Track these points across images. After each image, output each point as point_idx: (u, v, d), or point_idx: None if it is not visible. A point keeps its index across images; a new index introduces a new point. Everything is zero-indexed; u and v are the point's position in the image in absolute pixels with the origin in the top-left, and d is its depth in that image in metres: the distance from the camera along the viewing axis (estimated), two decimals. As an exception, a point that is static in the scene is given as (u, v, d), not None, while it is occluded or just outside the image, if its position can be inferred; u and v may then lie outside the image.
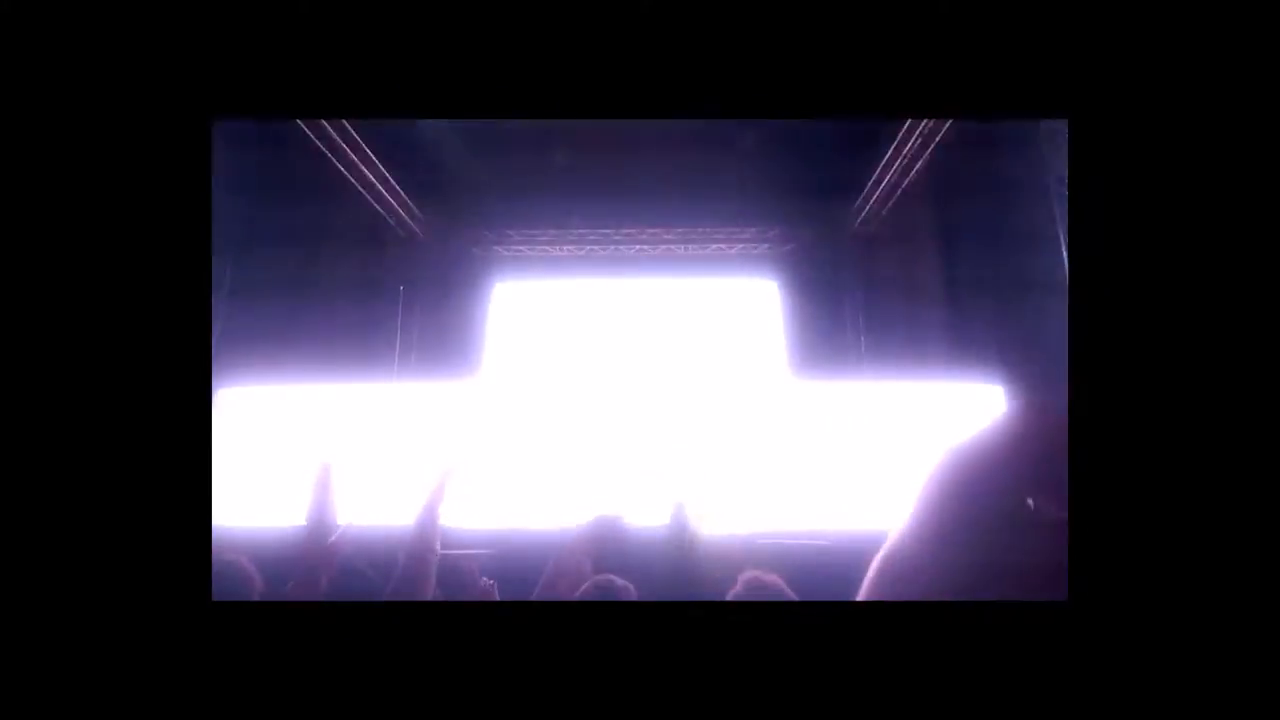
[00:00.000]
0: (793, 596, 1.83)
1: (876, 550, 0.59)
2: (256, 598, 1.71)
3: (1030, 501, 0.51)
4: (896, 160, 5.95)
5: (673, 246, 7.10)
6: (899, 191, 6.24)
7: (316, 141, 5.70)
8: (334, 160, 5.90)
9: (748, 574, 1.93)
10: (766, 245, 7.08)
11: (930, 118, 5.38)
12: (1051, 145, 5.61)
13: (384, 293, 6.91)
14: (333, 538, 1.60)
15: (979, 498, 0.49)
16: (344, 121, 5.66)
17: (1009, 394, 5.98)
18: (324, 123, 5.58)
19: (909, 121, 5.62)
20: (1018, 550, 0.49)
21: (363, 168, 6.07)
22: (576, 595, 1.90)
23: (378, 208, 6.53)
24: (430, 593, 1.61)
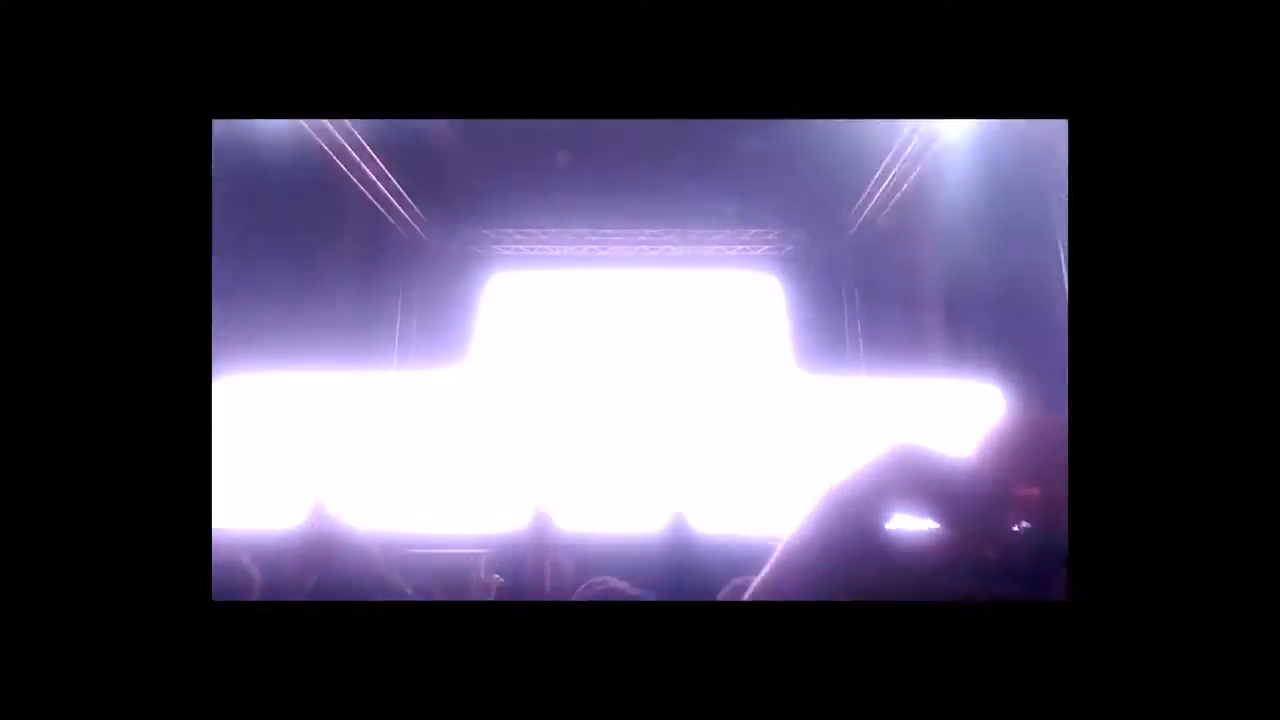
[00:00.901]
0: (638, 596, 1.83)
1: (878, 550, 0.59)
2: (256, 597, 1.71)
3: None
4: (897, 162, 5.95)
5: (671, 246, 7.10)
6: (899, 193, 6.24)
7: (318, 140, 5.69)
8: (335, 159, 5.89)
9: (594, 580, 1.94)
10: (766, 246, 7.08)
11: (930, 118, 5.38)
12: (1051, 146, 5.61)
13: (384, 291, 6.91)
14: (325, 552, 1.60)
15: (860, 516, 0.52)
16: (345, 120, 5.66)
17: (1005, 395, 6.00)
18: (326, 121, 5.57)
19: (909, 122, 5.62)
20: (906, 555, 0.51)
21: (364, 166, 6.07)
22: (574, 597, 1.89)
23: (378, 206, 6.52)
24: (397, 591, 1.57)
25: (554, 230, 7.03)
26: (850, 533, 0.54)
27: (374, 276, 6.93)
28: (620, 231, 7.00)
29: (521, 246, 7.15)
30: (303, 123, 5.50)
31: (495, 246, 7.14)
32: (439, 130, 6.34)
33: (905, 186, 6.12)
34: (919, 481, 0.54)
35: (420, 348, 6.81)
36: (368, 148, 5.98)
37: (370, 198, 6.38)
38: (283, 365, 6.46)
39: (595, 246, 7.09)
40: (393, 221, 6.77)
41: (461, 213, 6.99)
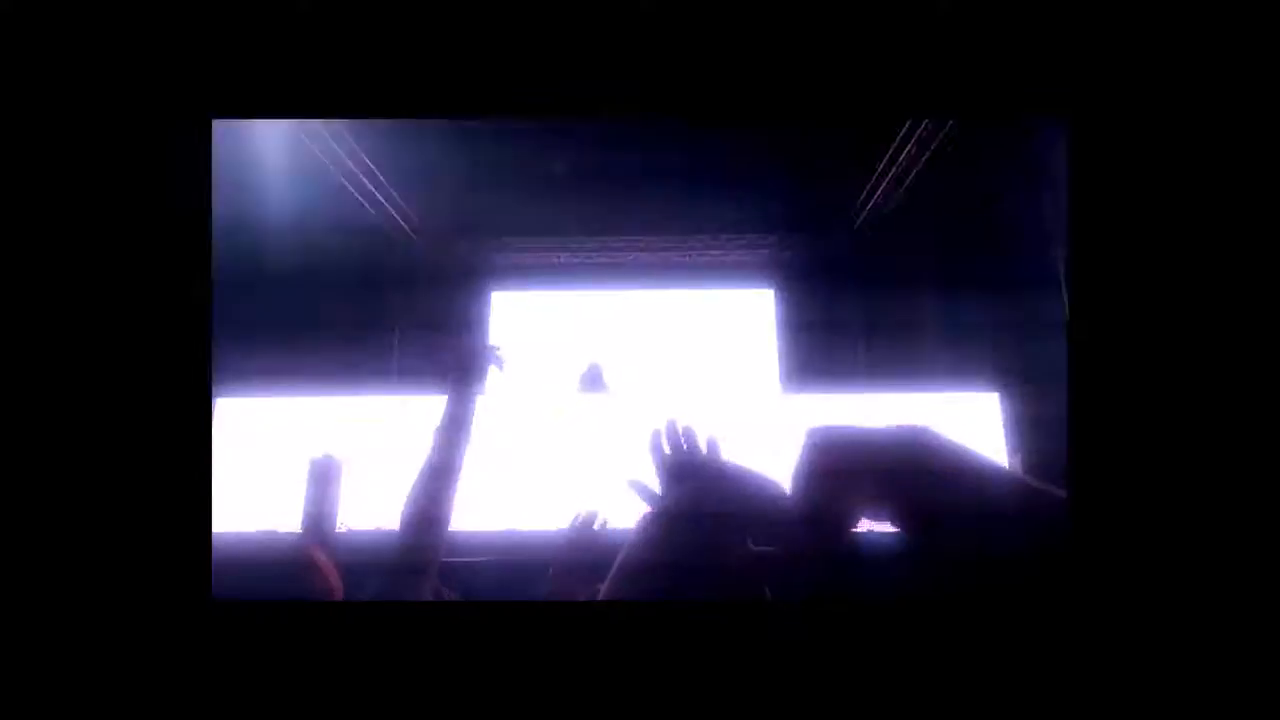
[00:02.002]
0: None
1: (871, 559, 0.59)
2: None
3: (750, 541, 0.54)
4: (896, 164, 5.97)
5: (670, 253, 7.11)
6: (899, 196, 6.25)
7: (313, 148, 5.70)
8: (331, 168, 5.90)
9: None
10: (765, 251, 7.09)
11: (931, 118, 5.39)
12: (1051, 147, 5.63)
13: (381, 299, 6.91)
14: (331, 533, 1.55)
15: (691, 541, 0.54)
16: (342, 129, 5.67)
17: (1005, 400, 6.00)
18: (322, 131, 5.58)
19: (908, 125, 5.64)
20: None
21: (360, 175, 6.07)
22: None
23: (374, 214, 6.53)
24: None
25: (551, 238, 7.05)
26: (670, 554, 0.56)
27: (371, 290, 6.92)
28: (619, 237, 7.01)
29: (520, 254, 7.15)
30: (300, 132, 5.51)
31: (494, 255, 7.15)
32: (437, 139, 6.35)
33: (906, 187, 6.14)
34: (731, 502, 0.56)
35: (420, 364, 6.78)
36: (364, 158, 5.99)
37: (367, 206, 6.38)
38: (274, 390, 6.41)
39: (593, 253, 7.10)
40: (388, 229, 6.78)
41: (460, 221, 7.00)
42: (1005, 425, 6.02)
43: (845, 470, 0.52)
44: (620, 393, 6.28)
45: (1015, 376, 5.89)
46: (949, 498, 0.50)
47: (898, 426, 0.54)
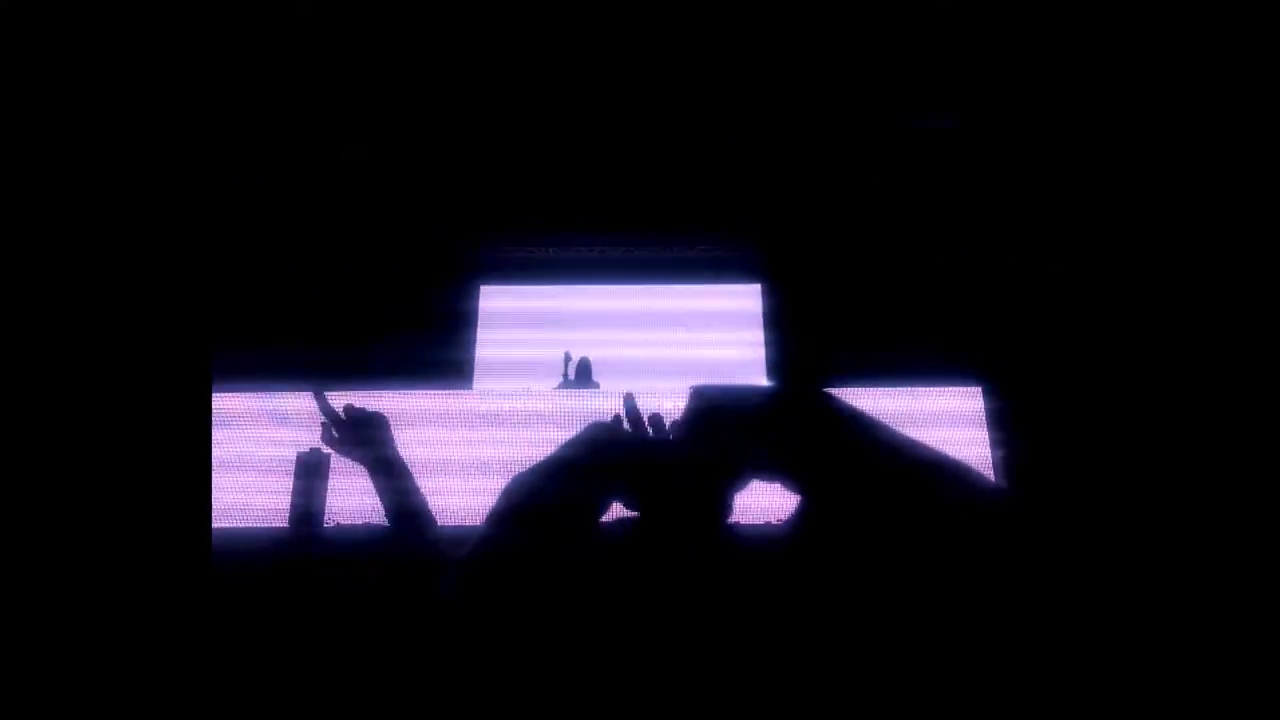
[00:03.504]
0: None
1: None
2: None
3: None
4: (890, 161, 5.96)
5: (659, 249, 7.09)
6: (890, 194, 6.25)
7: (300, 145, 5.63)
8: (317, 160, 5.83)
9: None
10: (753, 247, 7.08)
11: (926, 120, 5.40)
12: (1051, 145, 5.63)
13: (364, 294, 6.83)
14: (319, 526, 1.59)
15: None
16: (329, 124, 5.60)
17: (988, 394, 6.01)
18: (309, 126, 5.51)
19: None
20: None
21: (344, 163, 6.00)
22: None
23: (357, 204, 6.45)
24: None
25: (542, 233, 7.00)
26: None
27: (357, 284, 6.84)
28: (607, 233, 6.97)
29: (508, 248, 7.11)
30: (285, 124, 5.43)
31: (480, 249, 7.09)
32: (422, 133, 6.28)
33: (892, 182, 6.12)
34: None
35: (403, 360, 6.70)
36: (348, 145, 5.91)
37: (348, 193, 6.31)
38: (259, 385, 6.31)
39: (582, 248, 7.07)
40: (373, 222, 6.70)
41: (445, 214, 6.93)
42: (988, 418, 6.04)
43: (725, 418, 0.53)
44: (608, 388, 6.27)
45: (999, 370, 5.91)
46: (843, 453, 0.50)
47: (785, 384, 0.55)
